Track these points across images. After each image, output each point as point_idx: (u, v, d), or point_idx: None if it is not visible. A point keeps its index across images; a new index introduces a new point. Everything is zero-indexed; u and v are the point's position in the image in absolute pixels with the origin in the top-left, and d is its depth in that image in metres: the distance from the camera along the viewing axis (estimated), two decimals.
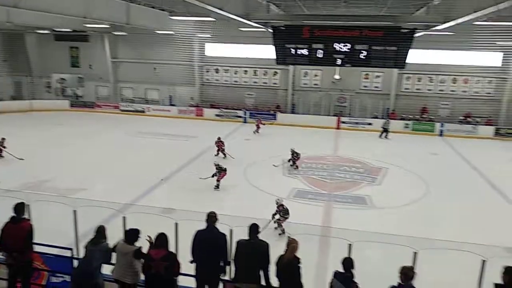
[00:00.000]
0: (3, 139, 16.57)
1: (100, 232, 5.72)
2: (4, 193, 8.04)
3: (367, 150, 20.18)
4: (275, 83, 28.79)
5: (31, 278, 6.29)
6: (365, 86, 27.40)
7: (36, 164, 15.86)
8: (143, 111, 29.06)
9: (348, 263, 4.99)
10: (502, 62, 25.00)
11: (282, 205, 10.58)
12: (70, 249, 6.48)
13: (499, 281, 4.69)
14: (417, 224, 11.41)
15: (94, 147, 19.35)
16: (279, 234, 10.29)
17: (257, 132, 23.81)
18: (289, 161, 16.71)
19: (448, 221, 11.94)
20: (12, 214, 5.90)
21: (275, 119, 26.83)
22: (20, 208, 5.95)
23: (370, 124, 25.90)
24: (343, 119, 26.49)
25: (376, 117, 26.41)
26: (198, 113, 28.29)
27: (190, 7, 11.59)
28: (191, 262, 5.66)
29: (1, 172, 14.45)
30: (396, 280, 4.75)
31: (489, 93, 25.92)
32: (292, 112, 28.01)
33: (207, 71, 29.62)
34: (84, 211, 7.17)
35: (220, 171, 13.83)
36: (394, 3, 15.73)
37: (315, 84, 28.02)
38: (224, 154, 17.80)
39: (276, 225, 10.43)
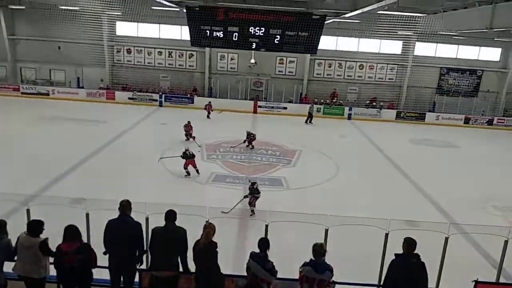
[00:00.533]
0: None
1: (0, 227, 5.21)
2: None
3: (283, 133, 20.80)
4: (191, 66, 28.28)
5: None
6: (280, 71, 28.09)
7: None
8: (47, 94, 26.75)
9: (263, 243, 5.07)
10: (402, 50, 27.24)
11: (253, 183, 11.00)
12: None
13: (400, 251, 5.12)
14: (328, 202, 12.05)
15: None
16: (250, 215, 10.66)
17: (209, 117, 23.39)
18: (244, 142, 17.32)
19: (357, 198, 12.79)
20: None
21: (192, 103, 26.47)
22: None
23: (285, 108, 26.69)
24: (259, 103, 26.92)
25: (291, 102, 27.30)
26: (109, 96, 26.80)
27: None
28: (104, 253, 5.40)
29: None
30: (310, 257, 4.96)
31: (392, 79, 28.13)
32: (210, 96, 27.79)
33: (118, 51, 28.09)
34: None
35: (187, 158, 13.31)
36: None
37: (232, 68, 28.05)
38: (189, 138, 17.51)
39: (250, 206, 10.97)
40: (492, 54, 27.82)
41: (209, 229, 5.11)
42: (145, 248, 5.57)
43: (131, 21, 26.45)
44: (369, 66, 27.78)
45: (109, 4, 22.89)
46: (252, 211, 10.84)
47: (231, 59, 27.75)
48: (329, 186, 13.85)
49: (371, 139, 21.24)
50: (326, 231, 6.29)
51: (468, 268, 7.31)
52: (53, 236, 5.28)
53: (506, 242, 6.52)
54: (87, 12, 23.99)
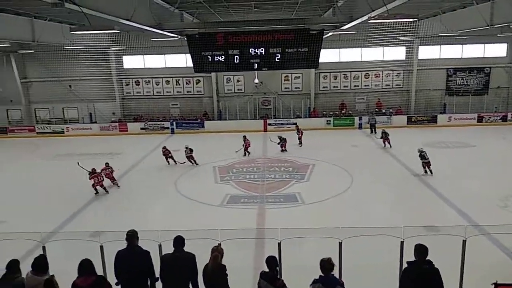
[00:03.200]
0: None
1: (12, 266, 5.20)
2: None
3: (294, 148, 20.82)
4: (199, 91, 28.73)
5: None
6: (286, 88, 28.30)
7: None
8: (62, 132, 27.43)
9: (270, 261, 5.03)
10: (406, 55, 27.21)
11: (421, 151, 15.73)
12: None
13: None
14: (345, 214, 11.99)
15: (9, 176, 17.87)
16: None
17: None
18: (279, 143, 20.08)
19: (374, 207, 12.68)
20: None
21: (203, 127, 26.81)
22: None
23: (295, 124, 26.63)
24: (269, 121, 27.07)
25: (299, 117, 27.38)
26: (121, 128, 27.33)
27: (95, 19, 10.99)
28: (117, 284, 5.47)
29: None
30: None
31: (399, 85, 28.06)
32: (220, 119, 28.12)
33: (127, 84, 28.79)
34: (2, 246, 6.61)
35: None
36: (302, 6, 16.50)
37: (239, 90, 28.39)
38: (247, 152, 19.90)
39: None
40: (498, 50, 27.55)
41: (216, 252, 5.13)
42: (156, 276, 5.62)
43: (136, 54, 27.16)
44: (375, 74, 27.79)
45: (114, 40, 23.63)
46: (430, 171, 15.30)
47: (237, 81, 28.12)
48: (345, 197, 13.75)
49: (383, 146, 21.07)
50: (340, 244, 6.27)
51: (492, 270, 7.12)
52: (71, 272, 5.24)
53: None
54: (94, 49, 24.76)
